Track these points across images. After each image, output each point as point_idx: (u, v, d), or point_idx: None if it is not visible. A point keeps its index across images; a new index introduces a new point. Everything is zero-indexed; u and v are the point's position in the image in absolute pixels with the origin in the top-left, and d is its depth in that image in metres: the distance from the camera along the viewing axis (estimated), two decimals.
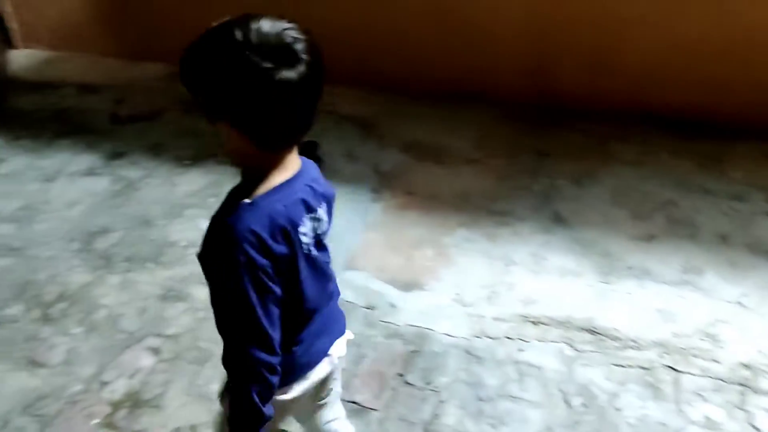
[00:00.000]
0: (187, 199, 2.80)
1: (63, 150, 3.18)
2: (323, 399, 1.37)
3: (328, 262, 1.22)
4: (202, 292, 2.29)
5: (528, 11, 3.21)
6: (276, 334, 1.04)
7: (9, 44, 4.16)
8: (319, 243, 1.16)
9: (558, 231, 2.54)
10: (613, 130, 3.17)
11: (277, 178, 1.08)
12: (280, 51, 0.96)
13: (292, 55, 0.97)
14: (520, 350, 2.03)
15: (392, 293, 2.27)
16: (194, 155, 3.10)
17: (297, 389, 1.20)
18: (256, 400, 1.04)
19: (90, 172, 3.01)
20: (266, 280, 1.01)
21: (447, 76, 3.45)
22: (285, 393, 1.18)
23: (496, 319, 2.14)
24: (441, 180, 2.89)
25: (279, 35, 0.96)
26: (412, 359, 2.01)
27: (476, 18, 3.28)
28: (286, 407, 1.22)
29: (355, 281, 2.33)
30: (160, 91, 3.63)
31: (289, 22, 0.99)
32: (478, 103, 3.39)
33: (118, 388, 1.95)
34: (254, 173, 1.09)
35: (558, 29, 3.19)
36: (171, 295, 2.30)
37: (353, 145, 3.14)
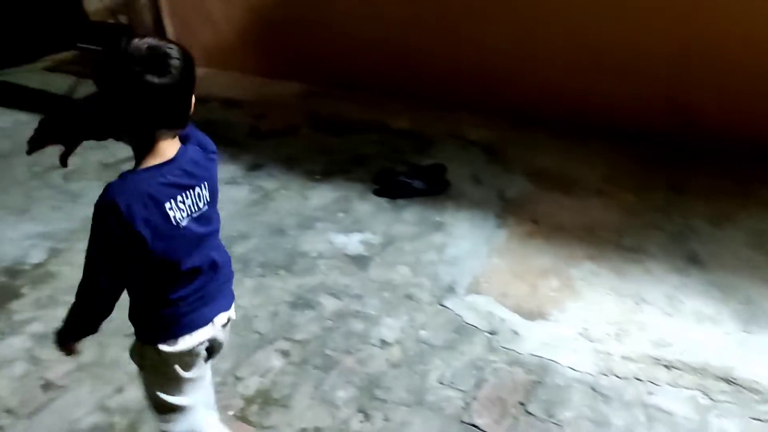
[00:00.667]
0: (318, 212, 2.93)
1: None
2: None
3: (207, 234, 1.42)
4: (331, 303, 2.40)
5: (666, 38, 3.12)
6: (105, 284, 1.34)
7: None
8: (200, 217, 1.39)
9: (694, 273, 2.45)
10: (755, 170, 3.02)
11: (150, 161, 1.30)
12: (152, 61, 1.21)
13: (163, 65, 1.22)
14: (650, 393, 1.96)
15: (515, 320, 2.28)
16: (324, 170, 3.25)
17: (181, 344, 1.42)
18: (78, 312, 1.39)
19: (232, 181, 3.22)
20: (111, 240, 1.28)
21: (576, 105, 3.42)
22: (171, 345, 1.42)
23: (624, 358, 2.09)
24: (567, 210, 2.86)
25: (155, 49, 1.22)
26: (534, 389, 2.00)
27: (610, 45, 3.24)
28: (171, 357, 1.43)
29: (477, 305, 2.35)
30: (295, 108, 3.85)
31: (170, 42, 1.27)
32: (609, 133, 3.34)
33: (251, 384, 2.08)
34: (137, 156, 1.33)
35: (699, 57, 3.09)
36: (300, 303, 2.42)
37: (479, 169, 3.17)
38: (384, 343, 2.22)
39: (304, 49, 4.08)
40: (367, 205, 2.96)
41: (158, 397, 1.50)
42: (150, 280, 1.39)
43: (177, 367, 1.46)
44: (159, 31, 4.47)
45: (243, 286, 2.51)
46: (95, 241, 1.30)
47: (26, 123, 3.97)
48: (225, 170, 3.31)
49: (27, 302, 2.50)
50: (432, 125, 3.60)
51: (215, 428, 1.63)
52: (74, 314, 1.41)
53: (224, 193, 3.04)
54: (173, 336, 1.42)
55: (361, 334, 2.26)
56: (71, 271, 2.65)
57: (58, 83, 4.51)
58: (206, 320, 1.46)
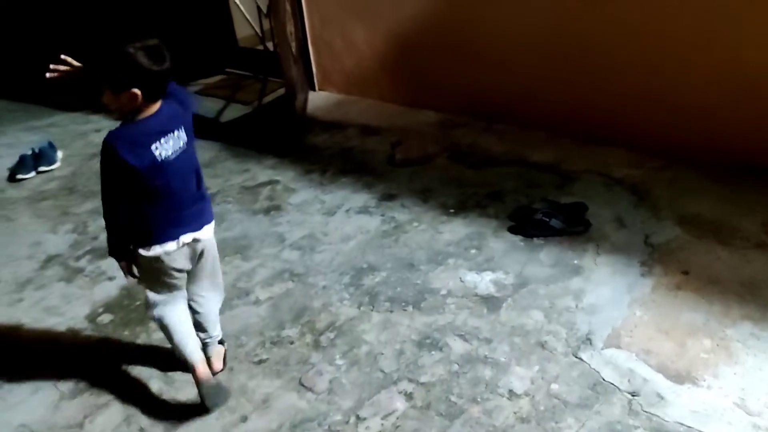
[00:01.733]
0: (449, 248, 2.87)
1: (344, 187, 3.48)
2: (193, 274, 2.14)
3: (188, 168, 1.98)
4: (458, 345, 2.32)
5: None
6: (123, 208, 1.90)
7: (311, 86, 4.70)
8: (180, 155, 1.91)
9: None
10: None
11: (140, 116, 1.85)
12: (157, 54, 1.81)
13: (162, 57, 1.83)
14: None
15: (660, 382, 2.08)
16: (458, 204, 3.18)
17: (153, 252, 1.97)
18: (109, 234, 1.98)
19: (364, 210, 3.24)
20: (114, 174, 1.83)
21: (737, 145, 3.12)
22: (146, 251, 1.97)
23: None
24: (723, 262, 2.60)
25: (156, 47, 1.82)
26: None
27: None
28: (152, 262, 1.99)
29: (617, 360, 2.18)
30: (432, 138, 3.82)
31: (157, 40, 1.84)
32: None
33: (373, 426, 2.04)
34: (128, 117, 1.87)
35: None
36: (427, 343, 2.36)
37: (624, 211, 2.97)
38: (513, 394, 2.11)
39: (444, 77, 4.05)
40: (501, 243, 2.86)
41: (145, 290, 2.12)
42: (139, 202, 1.91)
43: (153, 269, 2.02)
44: (304, 56, 4.63)
45: (370, 321, 2.50)
46: (103, 175, 1.88)
47: None
48: (358, 198, 3.34)
49: None
50: (575, 160, 3.43)
51: (184, 322, 2.16)
52: (108, 235, 1.99)
53: (356, 221, 3.14)
54: (145, 244, 1.97)
55: (489, 382, 2.16)
56: None
57: (208, 106, 4.78)
58: (173, 237, 1.98)
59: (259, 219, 3.27)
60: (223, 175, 3.77)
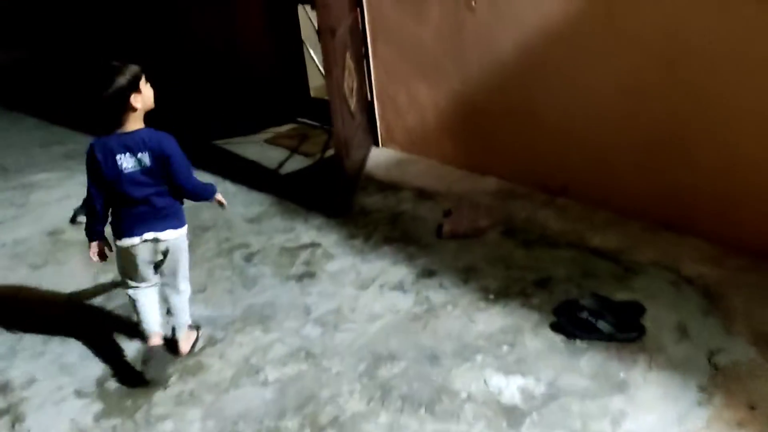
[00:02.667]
0: (480, 341, 2.58)
1: (384, 257, 3.26)
2: (160, 269, 2.58)
3: (149, 182, 2.37)
4: None
5: None
6: (97, 197, 2.41)
7: (374, 142, 4.55)
8: (144, 171, 2.35)
9: None
10: None
11: (121, 131, 2.33)
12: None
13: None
14: None
15: None
16: (500, 289, 2.88)
17: (120, 243, 2.45)
18: (86, 217, 2.55)
19: (399, 287, 3.00)
20: (91, 171, 2.37)
21: None
22: (118, 241, 2.45)
23: None
24: None
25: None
26: None
27: None
28: (123, 251, 2.48)
29: None
30: (485, 208, 3.53)
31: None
32: None
33: None
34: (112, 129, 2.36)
35: None
36: None
37: (689, 318, 2.56)
38: None
39: (508, 143, 3.78)
40: (538, 342, 2.54)
41: (120, 276, 2.62)
42: (111, 200, 2.42)
43: (125, 257, 2.50)
44: (369, 110, 4.50)
45: (376, 421, 2.26)
46: (86, 169, 2.38)
47: (233, 194, 4.19)
48: (395, 272, 3.12)
49: (169, 395, 2.50)
50: (641, 248, 3.04)
51: (147, 304, 2.61)
52: (86, 218, 2.54)
53: (387, 299, 2.91)
54: (119, 236, 2.45)
55: None
56: (221, 366, 2.62)
57: (273, 156, 4.74)
58: (135, 234, 2.42)
59: (290, 286, 3.11)
60: (268, 232, 3.65)
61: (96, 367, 2.68)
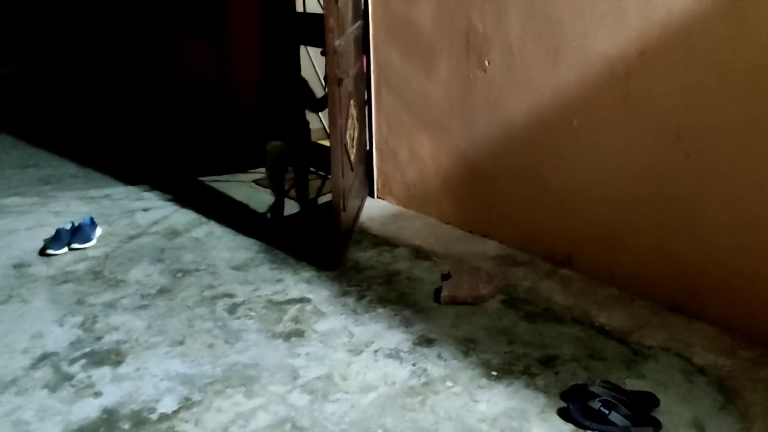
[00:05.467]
0: (482, 425, 2.38)
1: (379, 319, 3.07)
2: None
3: None
4: None
5: None
6: None
7: (370, 193, 4.40)
8: None
9: None
10: None
11: None
12: None
13: None
14: None
15: None
16: (503, 365, 2.70)
17: None
18: None
19: (395, 354, 2.80)
20: None
21: None
22: None
23: None
24: None
25: None
26: None
27: None
28: None
29: None
30: (486, 274, 3.37)
31: None
32: None
33: None
34: None
35: None
36: None
37: (704, 414, 2.39)
38: None
39: (511, 207, 3.66)
40: (545, 429, 2.35)
41: None
42: None
43: None
44: (368, 161, 4.36)
45: None
46: None
47: (219, 237, 3.99)
48: (391, 337, 2.93)
49: None
50: (650, 331, 2.90)
51: None
52: None
53: (382, 367, 2.68)
54: None
55: None
56: None
57: (262, 199, 4.55)
58: None
59: (276, 345, 2.90)
60: (254, 282, 3.44)
61: (54, 429, 2.42)
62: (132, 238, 4.02)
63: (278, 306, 3.22)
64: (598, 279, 3.30)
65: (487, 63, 3.52)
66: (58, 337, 2.98)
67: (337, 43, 3.22)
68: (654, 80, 2.88)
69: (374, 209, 4.31)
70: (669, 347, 2.78)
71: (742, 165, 2.69)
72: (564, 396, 2.50)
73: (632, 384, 2.54)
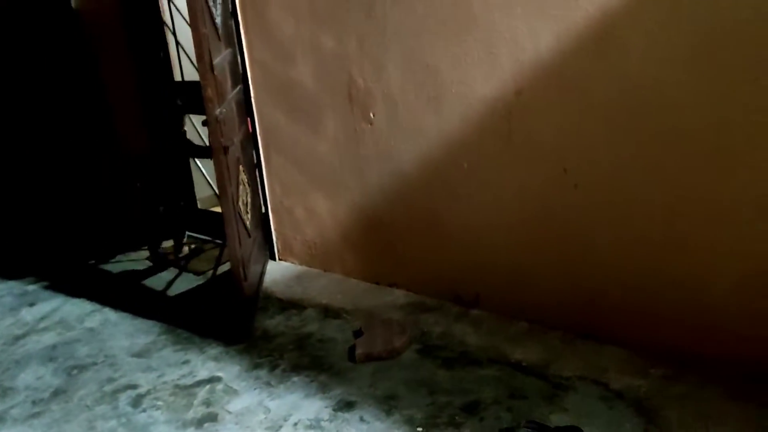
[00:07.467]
0: None
1: (295, 389, 2.94)
2: None
3: None
4: None
5: None
6: None
7: (270, 257, 4.28)
8: None
9: None
10: None
11: None
12: None
13: None
14: None
15: None
16: (427, 419, 2.64)
17: None
18: None
19: (316, 425, 2.68)
20: None
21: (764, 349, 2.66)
22: None
23: None
24: None
25: None
26: None
27: None
28: None
29: None
30: (398, 325, 3.32)
31: None
32: None
33: None
34: None
35: None
36: None
37: None
38: None
39: (414, 254, 3.66)
40: None
41: None
42: None
43: None
44: (265, 224, 4.26)
45: None
46: None
47: (115, 324, 3.73)
48: (310, 406, 2.80)
49: None
50: (565, 361, 2.94)
51: None
52: None
53: None
54: None
55: None
56: None
57: (159, 276, 4.33)
58: None
59: None
60: (158, 368, 3.23)
61: None
62: (18, 338, 3.69)
63: (187, 390, 3.02)
64: (508, 316, 3.33)
65: (372, 115, 3.54)
66: None
67: (218, 111, 3.14)
68: (534, 118, 2.98)
69: (277, 272, 4.19)
70: (585, 375, 2.82)
71: (624, 190, 2.82)
72: None
73: (557, 419, 2.55)
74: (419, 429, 2.59)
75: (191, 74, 4.72)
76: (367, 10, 3.36)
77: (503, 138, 3.11)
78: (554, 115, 2.93)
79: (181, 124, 4.66)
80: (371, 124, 3.56)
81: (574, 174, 2.95)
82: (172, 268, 4.45)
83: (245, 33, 3.91)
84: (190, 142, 4.73)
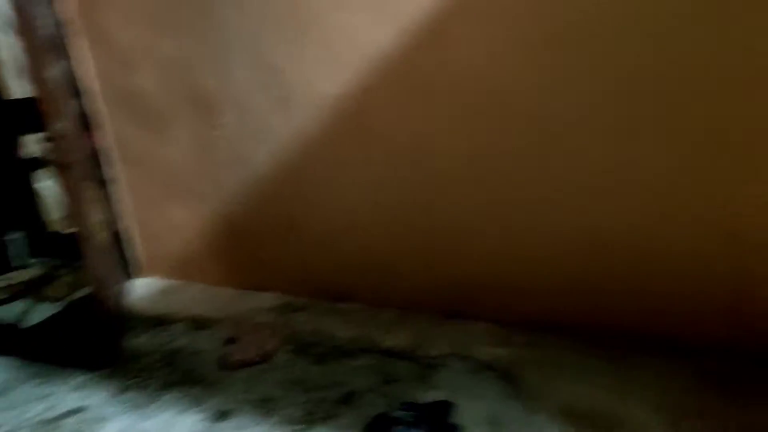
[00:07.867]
0: None
1: (168, 407, 2.85)
2: None
3: None
4: None
5: (729, 231, 2.64)
6: None
7: (128, 275, 4.10)
8: None
9: None
10: None
11: None
12: None
13: None
14: None
15: None
16: (305, 416, 2.67)
17: None
18: None
19: None
20: None
21: (616, 315, 2.90)
22: None
23: None
24: None
25: None
26: None
27: (641, 242, 2.80)
28: None
29: None
30: (269, 328, 3.32)
31: None
32: (664, 353, 2.77)
33: None
34: None
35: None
36: None
37: (496, 407, 2.59)
38: None
39: (277, 256, 3.66)
40: None
41: None
42: None
43: None
44: (122, 240, 4.07)
45: None
46: None
47: None
48: (185, 422, 2.73)
49: None
50: (433, 341, 3.07)
51: None
52: None
53: None
54: None
55: None
56: None
57: (10, 309, 4.02)
58: None
59: None
60: (18, 405, 3.01)
61: None
62: None
63: (52, 424, 2.84)
64: (377, 306, 3.42)
65: (221, 120, 3.49)
66: None
67: (58, 126, 2.97)
68: (383, 112, 3.07)
69: (140, 289, 4.03)
70: (454, 353, 2.97)
71: (467, 174, 2.99)
72: (369, 429, 2.54)
73: (431, 397, 2.66)
74: (298, 427, 2.61)
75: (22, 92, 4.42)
76: (206, 13, 3.30)
77: (355, 136, 3.18)
78: (402, 109, 3.03)
79: (16, 144, 4.34)
80: (221, 129, 3.51)
81: (430, 166, 3.07)
82: (24, 299, 4.15)
83: (81, 43, 3.71)
84: (29, 161, 4.42)
